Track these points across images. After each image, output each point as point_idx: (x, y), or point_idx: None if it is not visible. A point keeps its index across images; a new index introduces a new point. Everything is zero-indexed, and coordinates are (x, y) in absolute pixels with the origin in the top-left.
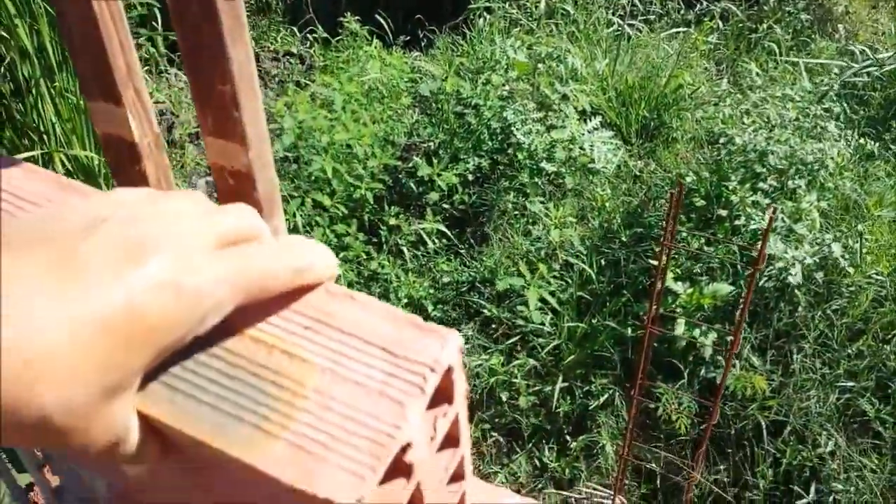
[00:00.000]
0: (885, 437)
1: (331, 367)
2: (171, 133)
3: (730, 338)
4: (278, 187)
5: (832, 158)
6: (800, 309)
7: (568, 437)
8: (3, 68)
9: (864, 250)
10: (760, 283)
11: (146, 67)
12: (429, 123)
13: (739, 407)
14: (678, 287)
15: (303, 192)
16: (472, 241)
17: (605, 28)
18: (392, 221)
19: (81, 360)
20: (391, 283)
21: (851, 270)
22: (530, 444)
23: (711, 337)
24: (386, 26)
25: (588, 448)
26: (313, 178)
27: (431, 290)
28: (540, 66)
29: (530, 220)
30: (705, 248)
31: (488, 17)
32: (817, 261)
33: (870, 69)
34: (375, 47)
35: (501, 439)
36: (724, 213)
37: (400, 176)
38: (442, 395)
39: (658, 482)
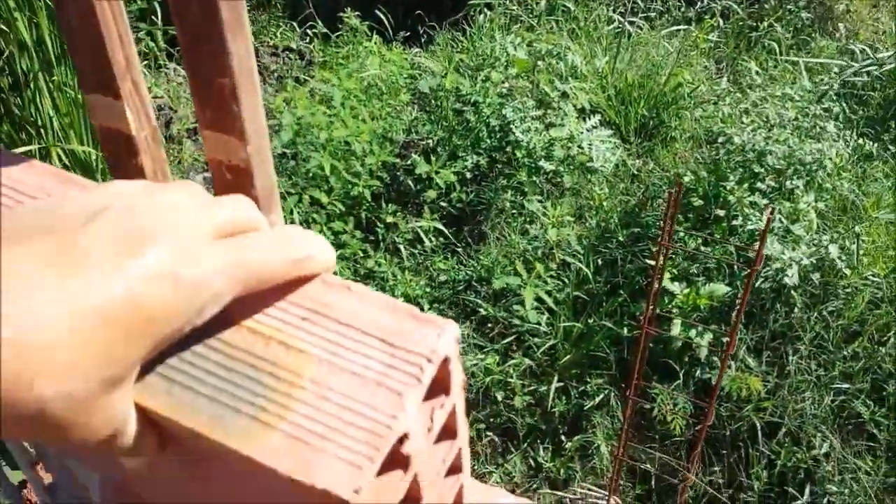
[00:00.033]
0: (879, 439)
1: (328, 357)
2: (168, 128)
3: (726, 339)
4: (277, 183)
5: (830, 159)
6: (796, 310)
7: (563, 438)
8: (1, 62)
9: (861, 252)
10: (757, 284)
11: (145, 62)
12: (427, 120)
13: (734, 408)
14: (675, 287)
15: (300, 188)
16: (469, 239)
17: (606, 25)
18: (389, 219)
19: (81, 352)
20: (387, 282)
21: (848, 272)
22: (525, 444)
23: (707, 337)
24: (386, 22)
25: (583, 448)
26: (311, 174)
27: (428, 289)
28: (540, 63)
29: (528, 219)
30: (702, 248)
31: (489, 13)
32: (814, 262)
33: (870, 68)
34: (375, 43)
35: (496, 439)
36: (721, 213)
37: (398, 173)
38: (439, 386)
39: (653, 483)
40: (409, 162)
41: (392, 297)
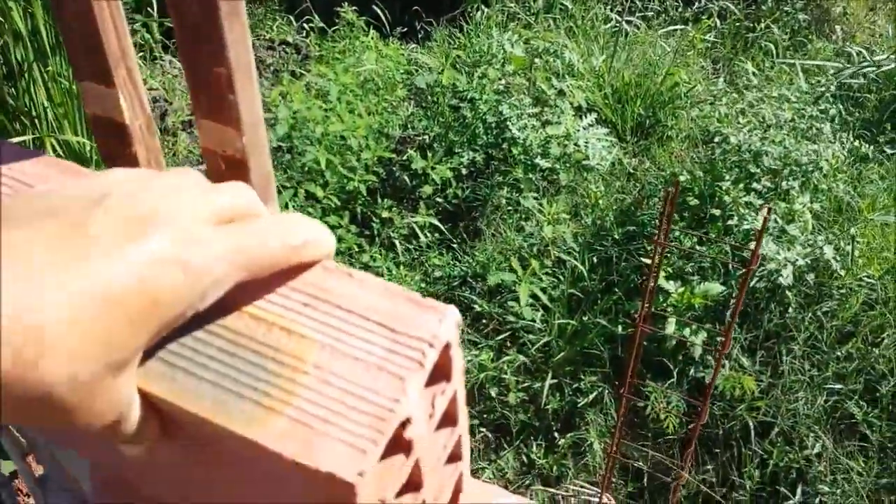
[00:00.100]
0: (871, 439)
1: (330, 343)
2: (163, 120)
3: (720, 338)
4: (273, 175)
5: (826, 160)
6: (790, 310)
7: (556, 434)
8: None
9: (856, 253)
10: (751, 284)
11: (140, 54)
12: (424, 116)
13: (728, 407)
14: (669, 286)
15: (295, 182)
16: (464, 235)
17: (603, 24)
18: (385, 214)
19: (85, 335)
20: (382, 276)
21: (843, 273)
22: (518, 441)
23: (701, 336)
24: (383, 17)
25: (576, 445)
26: (306, 168)
27: (423, 284)
28: (537, 60)
29: (523, 216)
30: (697, 247)
31: (486, 10)
32: (809, 262)
33: (866, 71)
34: (372, 38)
35: (490, 435)
36: (717, 212)
37: (394, 168)
38: (440, 373)
39: (645, 481)
40: (405, 157)
41: (393, 283)
